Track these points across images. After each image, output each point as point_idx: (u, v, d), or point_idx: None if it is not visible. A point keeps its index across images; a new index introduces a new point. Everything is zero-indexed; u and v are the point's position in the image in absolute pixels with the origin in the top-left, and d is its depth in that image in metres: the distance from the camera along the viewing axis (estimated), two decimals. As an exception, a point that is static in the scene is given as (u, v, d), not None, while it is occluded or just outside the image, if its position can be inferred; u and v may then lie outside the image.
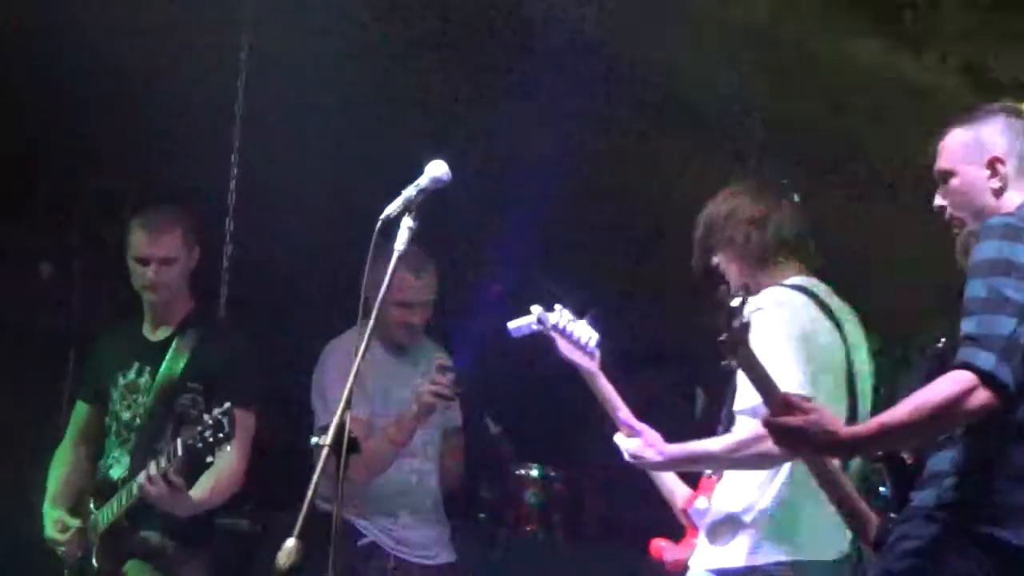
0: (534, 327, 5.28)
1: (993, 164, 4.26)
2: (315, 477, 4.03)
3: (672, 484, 5.28)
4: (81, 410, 6.02)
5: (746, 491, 4.91)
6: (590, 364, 5.27)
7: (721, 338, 4.15)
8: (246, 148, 7.33)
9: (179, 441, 5.30)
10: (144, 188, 6.88)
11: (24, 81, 7.18)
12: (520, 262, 6.40)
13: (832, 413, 4.08)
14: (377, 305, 4.12)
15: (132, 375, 5.79)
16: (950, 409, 3.88)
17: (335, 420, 4.08)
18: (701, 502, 5.15)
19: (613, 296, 7.35)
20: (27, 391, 7.35)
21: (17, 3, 6.86)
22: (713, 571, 4.92)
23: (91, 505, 5.69)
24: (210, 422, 5.21)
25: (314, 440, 5.19)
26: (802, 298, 4.95)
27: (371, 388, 5.95)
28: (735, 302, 4.15)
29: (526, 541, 7.19)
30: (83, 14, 6.77)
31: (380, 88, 7.40)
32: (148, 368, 5.77)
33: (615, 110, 7.57)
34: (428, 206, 4.17)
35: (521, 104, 7.35)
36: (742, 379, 4.73)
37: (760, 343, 4.57)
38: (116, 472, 5.71)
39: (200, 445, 5.22)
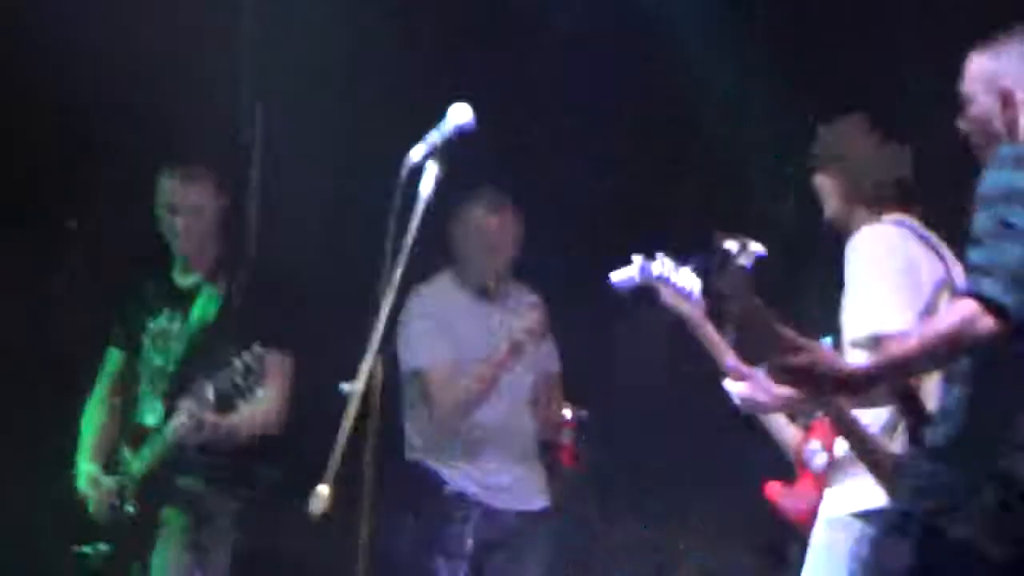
0: (637, 278, 5.27)
1: (1005, 96, 4.19)
2: (346, 423, 3.95)
3: (782, 426, 5.27)
4: (114, 356, 6.00)
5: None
6: (695, 312, 5.23)
7: (718, 282, 4.15)
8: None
9: (210, 387, 5.30)
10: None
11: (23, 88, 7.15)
12: (530, 236, 6.35)
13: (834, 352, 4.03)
14: (400, 252, 4.01)
15: (163, 321, 5.82)
16: (954, 338, 3.82)
17: (364, 366, 4.00)
18: (814, 444, 5.12)
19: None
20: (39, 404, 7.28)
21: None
22: (859, 513, 4.76)
23: (125, 452, 5.65)
24: (240, 366, 5.22)
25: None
26: (900, 231, 4.91)
27: (460, 333, 6.01)
28: (730, 245, 4.14)
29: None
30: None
31: (400, 36, 7.40)
32: (179, 314, 5.80)
33: (618, 95, 7.58)
34: (448, 158, 4.12)
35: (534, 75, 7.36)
36: (848, 309, 4.74)
37: (860, 281, 4.68)
38: (150, 419, 5.71)
39: (232, 388, 5.23)
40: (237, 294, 5.76)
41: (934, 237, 4.96)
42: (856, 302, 4.75)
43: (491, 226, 6.08)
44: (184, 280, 5.87)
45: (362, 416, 4.00)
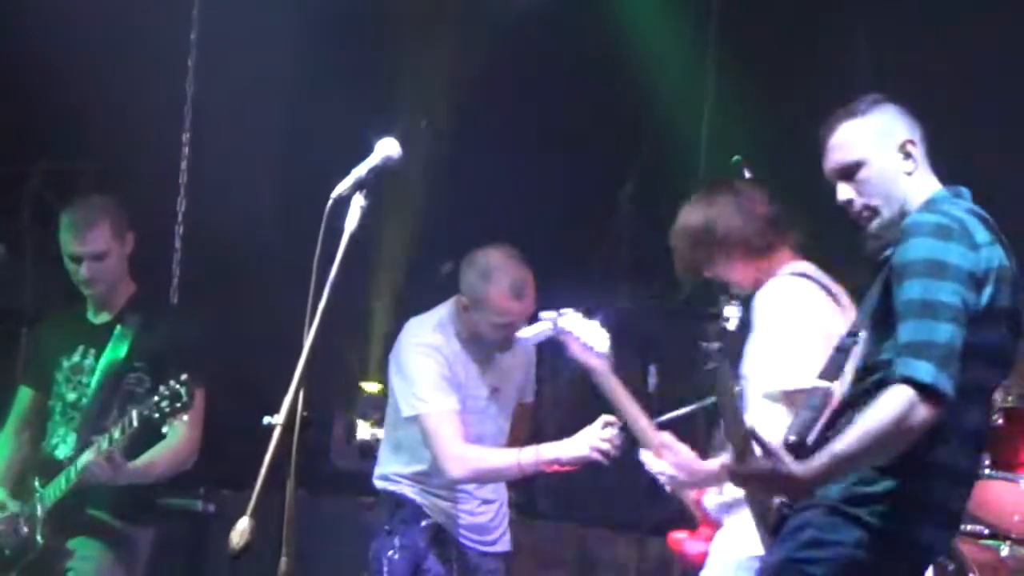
0: (547, 334, 5.33)
1: (905, 147, 4.20)
2: (268, 457, 3.91)
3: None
4: (25, 395, 5.97)
5: None
6: (600, 365, 5.26)
7: (712, 346, 4.19)
8: (197, 127, 7.37)
9: (134, 412, 5.27)
10: (96, 167, 6.83)
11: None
12: (471, 239, 6.33)
13: (785, 452, 4.00)
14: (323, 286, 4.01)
15: (76, 357, 5.78)
16: (895, 429, 3.84)
17: (287, 399, 3.96)
18: (711, 493, 5.10)
19: (565, 273, 7.38)
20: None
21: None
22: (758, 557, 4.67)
23: (36, 483, 5.66)
24: (166, 392, 5.19)
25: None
26: (807, 285, 4.91)
27: (460, 377, 5.74)
28: (728, 310, 4.23)
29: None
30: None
31: (329, 60, 7.45)
32: (92, 350, 5.76)
33: (562, 83, 7.60)
34: (379, 184, 4.11)
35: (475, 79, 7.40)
36: (758, 361, 4.76)
37: (769, 339, 4.69)
38: (62, 451, 5.69)
39: (156, 415, 5.20)
40: (148, 331, 5.72)
41: (833, 285, 4.95)
42: (767, 355, 4.77)
43: (514, 310, 5.65)
44: (97, 318, 5.84)
45: (285, 448, 3.94)
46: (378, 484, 5.90)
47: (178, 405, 5.20)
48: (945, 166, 4.31)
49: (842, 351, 4.36)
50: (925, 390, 3.83)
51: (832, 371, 4.35)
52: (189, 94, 7.40)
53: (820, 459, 3.96)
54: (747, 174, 5.56)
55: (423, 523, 5.78)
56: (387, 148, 4.15)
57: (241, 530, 3.83)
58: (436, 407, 5.64)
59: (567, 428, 5.49)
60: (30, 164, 7.51)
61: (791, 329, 4.73)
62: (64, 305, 6.14)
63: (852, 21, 7.60)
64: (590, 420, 5.37)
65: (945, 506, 4.09)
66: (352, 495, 7.12)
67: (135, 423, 5.25)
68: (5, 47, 7.00)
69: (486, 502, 5.89)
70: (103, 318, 5.81)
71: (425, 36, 7.52)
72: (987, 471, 6.15)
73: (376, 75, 7.41)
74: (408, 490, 5.80)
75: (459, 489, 5.80)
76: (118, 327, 5.74)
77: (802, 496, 4.15)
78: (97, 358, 5.72)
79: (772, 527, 4.38)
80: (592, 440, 5.37)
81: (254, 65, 7.35)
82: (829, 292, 4.90)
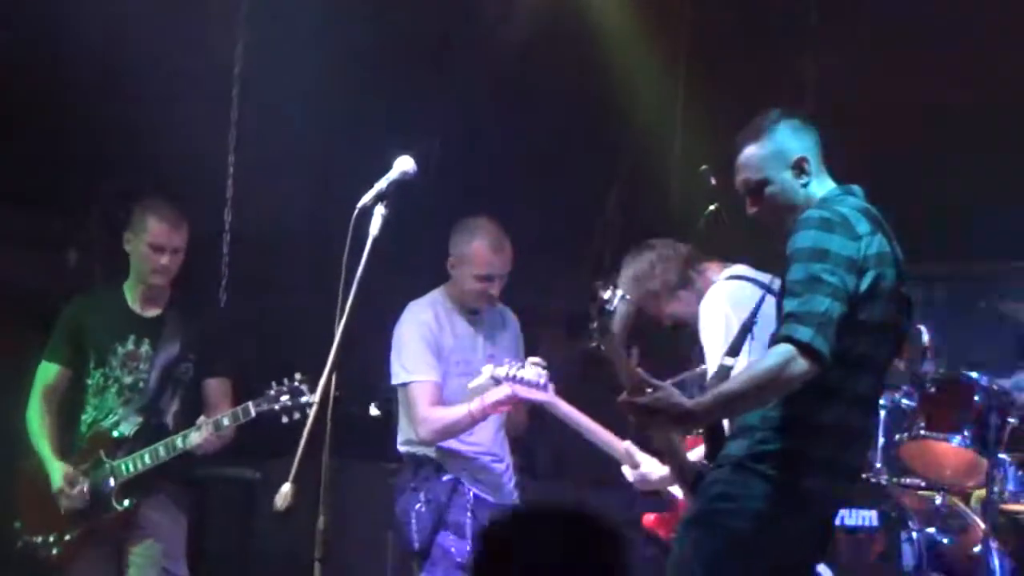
0: (493, 383, 5.58)
1: (800, 164, 4.39)
2: (306, 429, 4.13)
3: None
4: (51, 371, 6.04)
5: None
6: (547, 397, 5.54)
7: (592, 325, 4.39)
8: (240, 148, 7.65)
9: (250, 405, 5.57)
10: (156, 184, 6.98)
11: (38, 85, 7.31)
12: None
13: (675, 391, 4.20)
14: (352, 284, 4.20)
15: (130, 345, 5.95)
16: (775, 378, 4.06)
17: (322, 379, 4.16)
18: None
19: (550, 259, 7.55)
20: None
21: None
22: None
23: (103, 457, 5.84)
24: (286, 389, 5.50)
25: (304, 398, 5.45)
26: (736, 284, 5.09)
27: (448, 351, 5.93)
28: (606, 294, 4.37)
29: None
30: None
31: (360, 85, 7.61)
32: (146, 340, 5.96)
33: (554, 109, 7.81)
34: (396, 197, 4.31)
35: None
36: (707, 352, 4.94)
37: (705, 340, 4.90)
38: (126, 428, 5.89)
39: (276, 407, 5.51)
40: (194, 328, 5.98)
41: (767, 277, 5.08)
42: (707, 355, 4.97)
43: (494, 263, 5.88)
44: (145, 311, 6.02)
45: (321, 422, 4.11)
46: (401, 449, 6.07)
47: (301, 400, 5.47)
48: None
49: (745, 329, 4.64)
50: (803, 347, 4.05)
51: (734, 347, 4.63)
52: (233, 120, 7.67)
53: (706, 396, 4.24)
54: (712, 181, 5.74)
55: (444, 478, 5.93)
56: (404, 164, 4.39)
57: (284, 493, 4.03)
58: (417, 377, 5.88)
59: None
60: (99, 182, 7.65)
61: (718, 326, 4.91)
62: (95, 294, 6.32)
63: (816, 40, 7.67)
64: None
65: (838, 460, 4.29)
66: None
67: (252, 414, 5.58)
68: (83, 85, 7.11)
69: (496, 459, 6.04)
70: (152, 312, 6.02)
71: (435, 67, 7.65)
72: (922, 432, 6.33)
73: (399, 100, 7.54)
74: (428, 450, 5.95)
75: (472, 444, 5.95)
76: (167, 321, 5.98)
77: (691, 427, 4.43)
78: (153, 347, 5.95)
79: (691, 486, 4.59)
80: (501, 394, 5.64)
81: (290, 92, 7.53)
82: (760, 284, 5.08)
